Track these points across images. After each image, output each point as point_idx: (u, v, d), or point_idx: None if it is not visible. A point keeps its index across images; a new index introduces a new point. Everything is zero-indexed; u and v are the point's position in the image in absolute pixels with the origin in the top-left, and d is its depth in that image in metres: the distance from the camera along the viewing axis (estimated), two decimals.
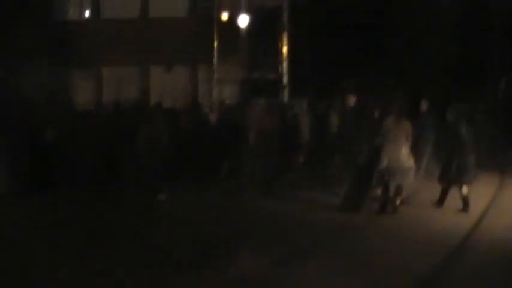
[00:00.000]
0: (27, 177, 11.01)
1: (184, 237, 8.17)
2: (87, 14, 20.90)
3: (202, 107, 14.32)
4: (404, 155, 9.56)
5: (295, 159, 12.10)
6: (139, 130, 10.87)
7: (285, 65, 20.25)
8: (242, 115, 12.61)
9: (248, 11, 19.56)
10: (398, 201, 9.70)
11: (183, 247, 7.67)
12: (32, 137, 11.61)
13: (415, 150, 10.09)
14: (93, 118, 12.97)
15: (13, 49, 18.26)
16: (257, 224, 8.99)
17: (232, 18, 19.78)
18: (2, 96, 13.91)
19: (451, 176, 9.73)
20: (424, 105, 12.09)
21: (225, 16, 19.97)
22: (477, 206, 9.80)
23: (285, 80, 20.24)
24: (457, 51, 19.41)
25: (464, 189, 9.70)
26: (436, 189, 10.15)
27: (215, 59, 20.00)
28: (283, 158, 11.72)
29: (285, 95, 19.83)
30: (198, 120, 13.11)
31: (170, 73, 20.43)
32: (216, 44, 19.91)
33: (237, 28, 19.64)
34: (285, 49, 20.14)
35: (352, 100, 10.50)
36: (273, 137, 11.51)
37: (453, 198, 9.87)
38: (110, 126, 11.99)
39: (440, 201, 10.00)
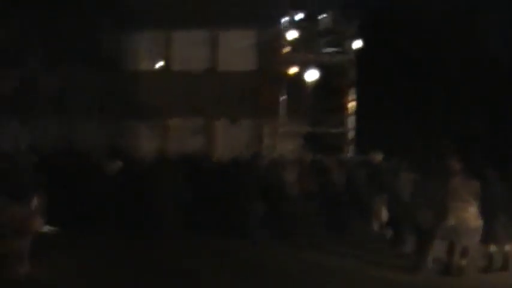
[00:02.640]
0: None
1: None
2: (157, 66, 21.20)
3: (261, 160, 14.27)
4: (472, 214, 9.25)
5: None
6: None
7: (351, 119, 20.25)
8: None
9: (316, 65, 19.77)
10: (464, 263, 9.34)
11: None
12: None
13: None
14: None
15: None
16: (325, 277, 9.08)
17: (300, 73, 19.94)
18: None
19: (498, 235, 9.47)
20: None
21: (292, 70, 20.09)
22: None
23: (351, 135, 20.21)
24: None
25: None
26: None
27: (280, 113, 20.07)
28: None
29: (351, 150, 19.80)
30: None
31: (235, 126, 20.53)
32: (282, 97, 20.02)
33: (304, 82, 19.80)
34: (352, 104, 20.16)
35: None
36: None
37: None
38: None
39: (489, 265, 9.61)
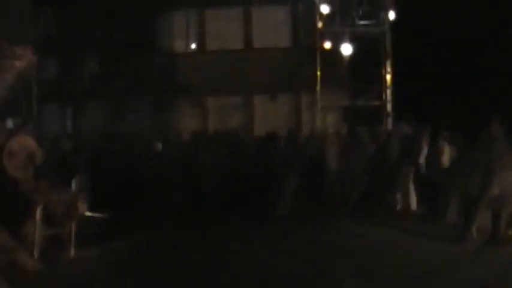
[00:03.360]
0: None
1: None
2: (193, 46, 21.42)
3: (298, 134, 14.58)
4: None
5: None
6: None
7: (389, 92, 20.07)
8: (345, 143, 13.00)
9: (351, 39, 19.60)
10: (510, 232, 9.35)
11: None
12: None
13: None
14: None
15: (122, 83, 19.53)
16: (363, 251, 9.06)
17: (336, 46, 19.80)
18: None
19: None
20: None
21: (327, 45, 19.98)
22: None
23: (388, 107, 20.06)
24: None
25: None
26: None
27: (318, 87, 19.98)
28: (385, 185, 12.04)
29: (389, 123, 19.61)
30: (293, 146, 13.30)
31: (273, 102, 20.66)
32: (319, 72, 19.92)
33: (340, 56, 19.68)
34: (388, 76, 19.99)
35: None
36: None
37: None
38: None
39: None
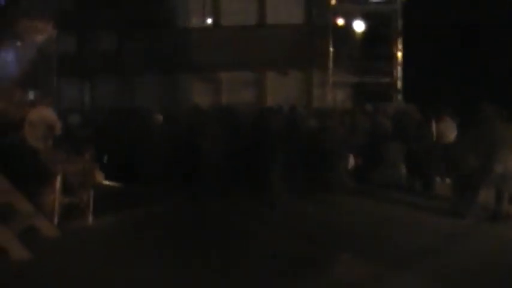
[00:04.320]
0: None
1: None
2: (208, 22, 21.51)
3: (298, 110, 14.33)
4: None
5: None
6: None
7: (399, 69, 19.99)
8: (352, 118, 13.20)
9: (363, 16, 19.71)
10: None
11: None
12: None
13: None
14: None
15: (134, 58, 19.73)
16: (365, 226, 9.10)
17: (347, 24, 19.88)
18: None
19: None
20: None
21: (340, 22, 20.05)
22: None
23: (399, 84, 20.01)
24: None
25: None
26: None
27: (330, 64, 19.98)
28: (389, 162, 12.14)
29: (399, 100, 19.58)
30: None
31: (285, 77, 20.62)
32: (331, 49, 19.95)
33: (352, 33, 19.76)
34: (399, 54, 19.93)
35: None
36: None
37: None
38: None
39: None
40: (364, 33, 19.62)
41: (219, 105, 18.15)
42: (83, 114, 16.21)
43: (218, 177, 11.28)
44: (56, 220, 8.74)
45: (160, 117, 13.74)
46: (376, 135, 12.60)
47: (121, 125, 13.90)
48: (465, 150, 9.77)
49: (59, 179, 8.87)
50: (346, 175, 11.88)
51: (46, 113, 9.72)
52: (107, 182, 11.09)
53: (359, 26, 19.67)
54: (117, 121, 14.44)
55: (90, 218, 9.17)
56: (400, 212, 10.12)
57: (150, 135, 13.05)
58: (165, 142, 12.67)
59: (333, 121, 12.70)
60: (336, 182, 11.43)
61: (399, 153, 12.37)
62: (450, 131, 11.88)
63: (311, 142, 11.95)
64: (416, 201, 10.78)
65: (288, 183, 10.82)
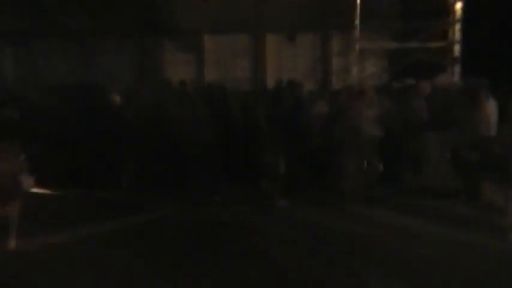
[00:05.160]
0: None
1: None
2: None
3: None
4: None
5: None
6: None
7: (457, 28, 16.21)
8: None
9: None
10: None
11: None
12: None
13: None
14: None
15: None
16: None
17: None
18: None
19: None
20: None
21: None
22: None
23: (456, 50, 16.25)
24: None
25: None
26: None
27: (357, 23, 16.23)
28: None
29: (457, 72, 16.08)
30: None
31: (293, 43, 17.48)
32: (358, 1, 16.16)
33: None
34: (458, 5, 16.03)
35: None
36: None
37: None
38: None
39: None
40: None
41: (200, 83, 16.57)
42: (8, 91, 14.84)
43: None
44: None
45: (117, 98, 11.92)
46: (408, 124, 10.91)
47: (63, 108, 12.04)
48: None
49: None
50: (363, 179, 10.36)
51: None
52: (37, 190, 9.83)
53: None
54: (58, 102, 12.49)
55: (13, 242, 7.98)
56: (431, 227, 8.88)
57: (102, 122, 11.41)
58: (122, 132, 11.17)
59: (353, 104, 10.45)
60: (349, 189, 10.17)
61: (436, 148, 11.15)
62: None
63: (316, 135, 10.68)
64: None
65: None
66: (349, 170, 10.16)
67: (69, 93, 12.98)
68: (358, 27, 16.29)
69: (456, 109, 10.35)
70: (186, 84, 12.84)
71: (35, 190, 9.45)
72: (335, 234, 8.44)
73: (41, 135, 11.12)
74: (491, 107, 9.93)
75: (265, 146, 10.56)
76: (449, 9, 16.39)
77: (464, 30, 16.29)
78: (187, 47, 17.90)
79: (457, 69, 16.29)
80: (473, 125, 9.86)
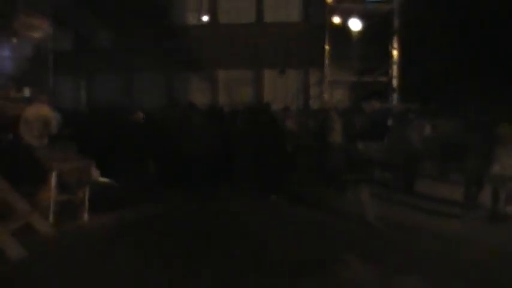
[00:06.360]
0: None
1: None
2: (205, 18, 21.26)
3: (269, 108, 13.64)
4: None
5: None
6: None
7: (395, 68, 19.94)
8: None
9: (360, 15, 19.47)
10: (509, 209, 9.36)
11: None
12: None
13: None
14: None
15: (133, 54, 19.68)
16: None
17: (344, 23, 19.63)
18: None
19: None
20: None
21: (336, 20, 19.84)
22: None
23: (395, 83, 19.95)
24: None
25: None
26: None
27: (327, 62, 19.93)
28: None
29: (395, 99, 19.63)
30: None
31: (283, 76, 20.53)
32: (327, 47, 19.88)
33: (349, 32, 19.52)
34: (395, 52, 19.89)
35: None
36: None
37: None
38: None
39: None
40: (361, 32, 19.44)
41: (211, 104, 18.21)
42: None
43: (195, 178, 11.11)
44: (51, 218, 8.62)
45: (141, 115, 13.62)
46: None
47: (98, 124, 13.57)
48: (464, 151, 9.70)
49: (54, 176, 8.75)
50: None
51: (42, 110, 9.56)
52: (102, 180, 10.86)
53: (356, 24, 19.44)
54: (95, 120, 14.26)
55: (86, 216, 9.08)
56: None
57: (130, 134, 12.73)
58: (145, 140, 12.52)
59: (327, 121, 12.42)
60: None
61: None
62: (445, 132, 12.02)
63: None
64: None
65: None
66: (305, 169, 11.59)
67: (113, 113, 14.61)
68: (328, 66, 19.88)
69: (391, 125, 12.31)
70: (194, 105, 13.93)
71: (101, 179, 10.61)
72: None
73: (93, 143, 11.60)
74: (419, 125, 11.81)
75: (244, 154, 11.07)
76: (390, 54, 20.04)
77: (400, 69, 19.82)
78: (206, 79, 20.82)
79: (395, 97, 19.82)
80: (403, 137, 11.36)
